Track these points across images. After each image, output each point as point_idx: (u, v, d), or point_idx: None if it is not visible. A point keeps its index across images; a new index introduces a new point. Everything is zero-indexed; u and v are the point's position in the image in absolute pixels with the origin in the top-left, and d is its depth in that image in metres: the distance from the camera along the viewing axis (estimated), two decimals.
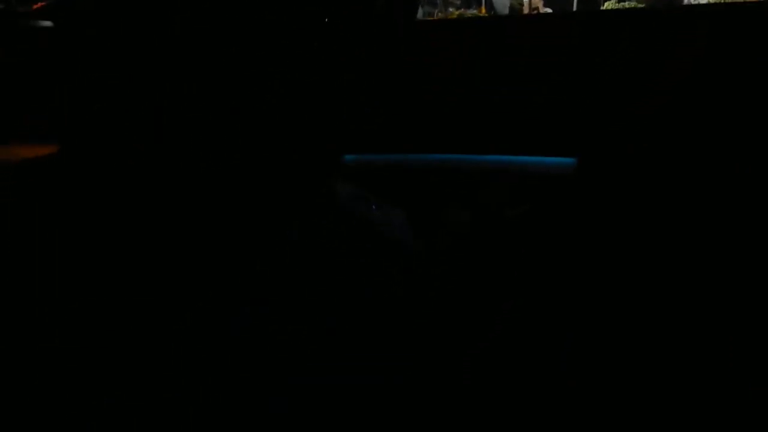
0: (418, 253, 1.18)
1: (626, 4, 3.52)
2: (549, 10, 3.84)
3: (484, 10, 4.11)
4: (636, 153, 1.30)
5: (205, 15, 0.87)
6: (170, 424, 0.84)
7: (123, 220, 0.87)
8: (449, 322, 1.11)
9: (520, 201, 1.36)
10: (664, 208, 1.27)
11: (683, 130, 1.29)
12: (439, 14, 4.10)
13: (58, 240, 0.85)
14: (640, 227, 1.26)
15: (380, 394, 0.95)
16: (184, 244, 0.87)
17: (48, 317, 0.82)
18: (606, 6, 3.53)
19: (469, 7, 4.24)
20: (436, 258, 1.23)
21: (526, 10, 3.98)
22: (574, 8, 3.70)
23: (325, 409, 0.92)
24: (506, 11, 4.06)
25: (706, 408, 0.99)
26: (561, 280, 1.21)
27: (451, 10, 4.17)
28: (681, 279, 1.18)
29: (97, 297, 0.83)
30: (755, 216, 1.21)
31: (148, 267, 0.85)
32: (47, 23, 1.09)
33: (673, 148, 1.29)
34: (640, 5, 3.49)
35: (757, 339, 1.08)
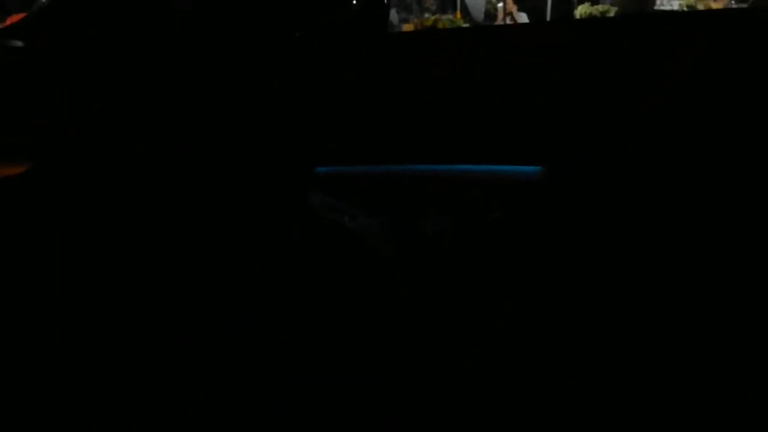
0: (394, 259, 1.18)
1: (599, 8, 3.49)
2: (523, 14, 3.83)
3: (459, 15, 4.10)
4: (636, 153, 1.31)
5: (205, 15, 0.87)
6: (170, 424, 0.84)
7: (123, 220, 0.87)
8: (449, 322, 1.11)
9: (496, 207, 1.37)
10: (666, 207, 1.27)
11: (683, 130, 1.29)
12: (415, 19, 4.10)
13: (57, 240, 0.85)
14: (642, 227, 1.26)
15: (380, 394, 0.95)
16: (183, 244, 0.87)
17: (48, 317, 0.82)
18: (579, 9, 3.51)
19: (444, 11, 4.23)
20: (436, 258, 1.23)
21: (500, 15, 3.99)
22: (548, 11, 3.69)
23: (325, 409, 0.92)
24: (481, 16, 4.05)
25: (707, 408, 0.99)
26: (561, 280, 1.21)
27: (426, 15, 4.17)
28: (682, 279, 1.18)
29: (97, 297, 0.83)
30: (755, 216, 1.21)
31: (147, 267, 0.85)
32: (20, 43, 0.98)
33: (674, 148, 1.29)
34: (613, 8, 3.46)
35: (757, 339, 1.08)
